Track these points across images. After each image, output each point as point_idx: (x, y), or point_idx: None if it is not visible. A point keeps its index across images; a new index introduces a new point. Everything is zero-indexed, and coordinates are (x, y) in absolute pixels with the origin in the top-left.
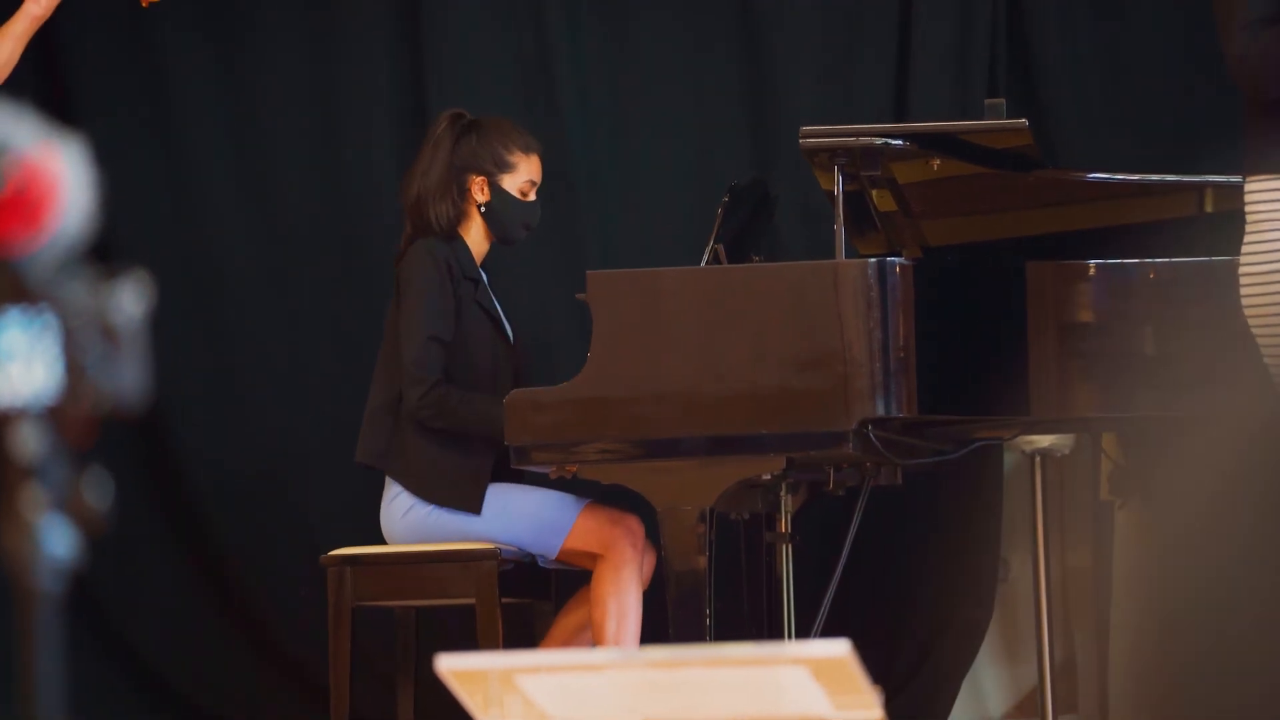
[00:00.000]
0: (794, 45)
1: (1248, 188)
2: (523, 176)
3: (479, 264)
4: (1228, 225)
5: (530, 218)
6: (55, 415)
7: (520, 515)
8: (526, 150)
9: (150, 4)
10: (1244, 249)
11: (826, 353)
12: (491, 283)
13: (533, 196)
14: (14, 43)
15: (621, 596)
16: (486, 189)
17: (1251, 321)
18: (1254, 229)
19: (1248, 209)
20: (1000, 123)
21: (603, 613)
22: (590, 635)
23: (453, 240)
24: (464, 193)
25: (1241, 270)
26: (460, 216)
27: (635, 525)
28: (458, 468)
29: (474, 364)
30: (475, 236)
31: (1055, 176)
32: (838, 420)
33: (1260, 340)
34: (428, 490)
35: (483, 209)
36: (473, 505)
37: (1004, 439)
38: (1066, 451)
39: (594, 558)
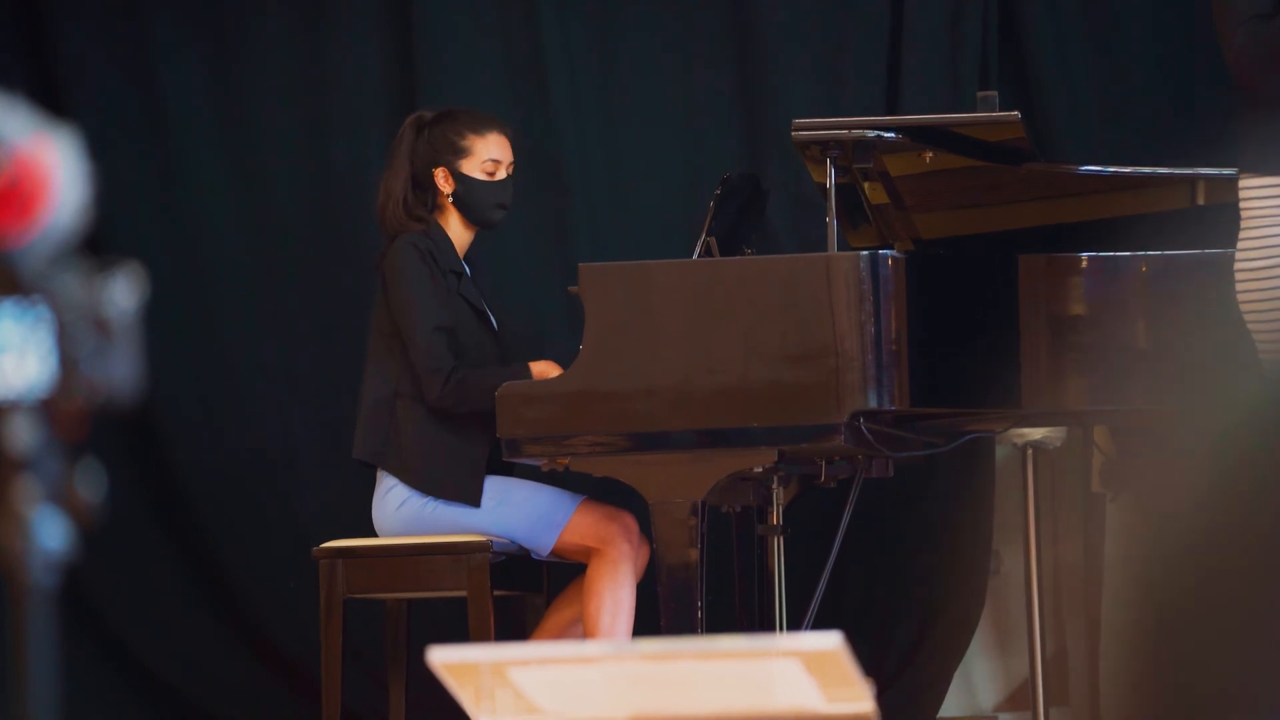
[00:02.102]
0: (786, 38)
1: (1243, 183)
2: (481, 157)
3: (463, 255)
4: (1220, 218)
5: (501, 197)
6: (48, 408)
7: (516, 509)
8: (481, 131)
9: None
10: (1239, 244)
11: (818, 346)
12: (476, 275)
13: (501, 175)
14: None
15: (616, 590)
16: (450, 179)
17: (1248, 316)
18: (1249, 224)
19: (1243, 205)
20: (992, 115)
21: (597, 606)
22: (582, 628)
23: (433, 233)
24: (432, 187)
25: (1237, 265)
26: (437, 210)
27: (631, 521)
28: (456, 460)
29: (461, 356)
30: (455, 228)
31: (1047, 169)
32: (829, 413)
33: (1256, 335)
34: (427, 483)
35: (452, 198)
36: (472, 497)
37: (996, 432)
38: (1058, 444)
39: (588, 552)
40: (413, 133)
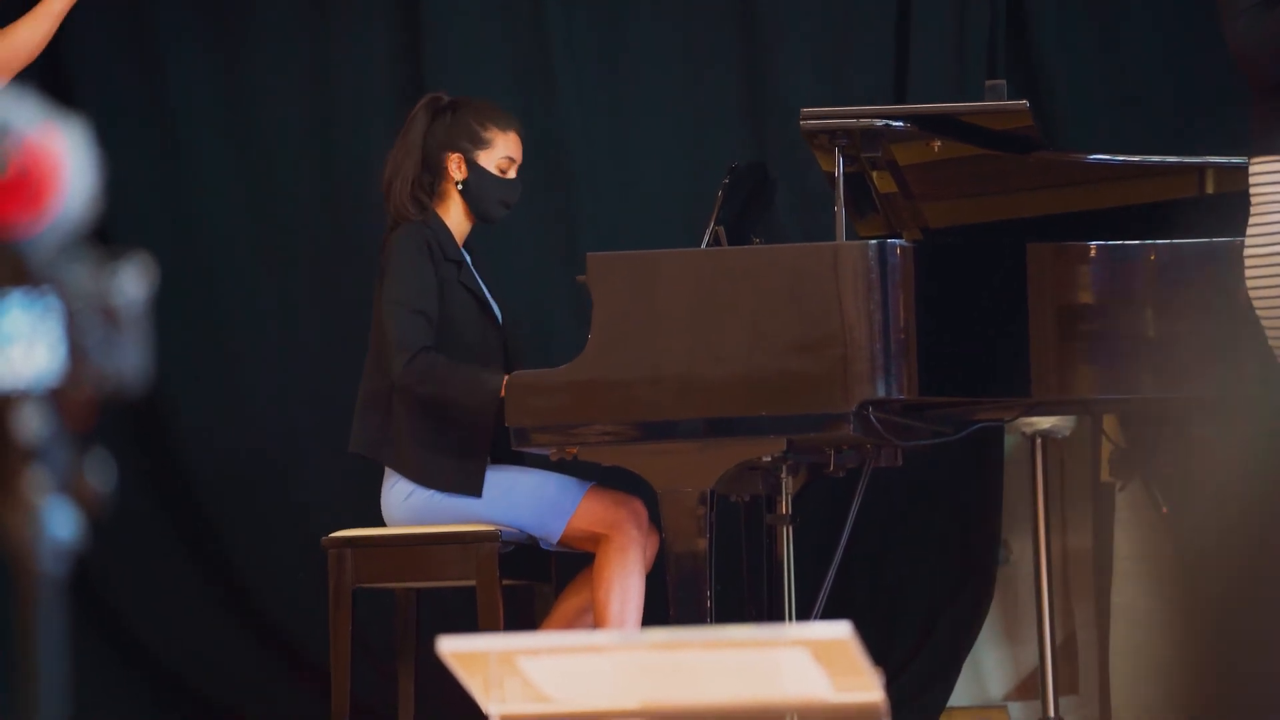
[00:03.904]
0: (793, 27)
1: (1252, 169)
2: (500, 153)
3: (461, 244)
4: (1228, 206)
5: (509, 195)
6: (57, 398)
7: (523, 498)
8: (503, 127)
9: None
10: (1248, 231)
11: (826, 335)
12: (476, 263)
13: (512, 174)
14: (52, 21)
15: (625, 578)
16: (463, 166)
17: (1256, 303)
18: (1258, 211)
19: (1252, 191)
20: (1001, 104)
21: (606, 593)
22: (590, 618)
23: (431, 222)
24: (441, 171)
25: (1245, 252)
26: (437, 196)
27: (640, 508)
28: (454, 452)
29: (462, 344)
30: (455, 217)
31: (1056, 158)
32: (837, 402)
33: (1265, 322)
34: (426, 476)
35: (460, 186)
36: (473, 488)
37: (1004, 421)
38: (1067, 433)
39: (597, 540)
40: (428, 113)
